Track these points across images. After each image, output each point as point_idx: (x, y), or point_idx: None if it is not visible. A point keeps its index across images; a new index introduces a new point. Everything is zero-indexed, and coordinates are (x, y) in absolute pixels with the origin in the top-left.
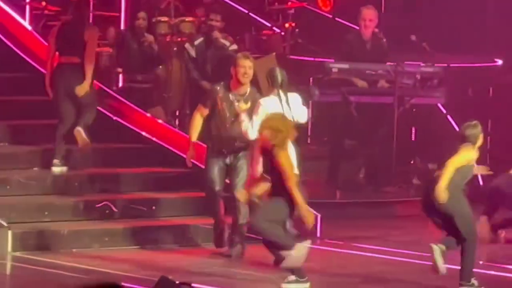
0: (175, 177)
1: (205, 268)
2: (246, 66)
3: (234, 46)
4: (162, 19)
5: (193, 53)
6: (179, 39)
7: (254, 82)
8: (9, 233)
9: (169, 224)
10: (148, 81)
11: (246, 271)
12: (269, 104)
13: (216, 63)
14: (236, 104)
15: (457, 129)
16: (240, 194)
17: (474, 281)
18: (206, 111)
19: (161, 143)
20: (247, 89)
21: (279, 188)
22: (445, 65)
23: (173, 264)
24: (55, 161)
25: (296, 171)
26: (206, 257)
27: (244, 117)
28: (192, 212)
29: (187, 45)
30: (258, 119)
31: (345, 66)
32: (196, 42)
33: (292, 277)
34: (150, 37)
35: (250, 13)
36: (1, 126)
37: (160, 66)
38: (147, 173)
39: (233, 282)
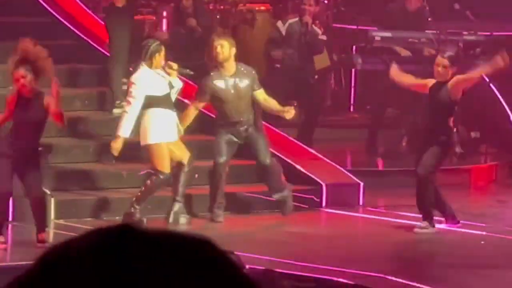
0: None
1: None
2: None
3: (324, 37)
4: None
5: (283, 31)
6: (221, 7)
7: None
8: (52, 201)
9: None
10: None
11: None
12: (142, 77)
13: (305, 48)
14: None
15: (500, 97)
16: None
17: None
18: None
19: (205, 111)
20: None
21: None
22: (488, 33)
23: (216, 232)
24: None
25: None
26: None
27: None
28: (237, 180)
29: (279, 23)
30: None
31: (387, 34)
32: (290, 21)
33: None
34: (192, 21)
35: None
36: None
37: None
38: (191, 141)
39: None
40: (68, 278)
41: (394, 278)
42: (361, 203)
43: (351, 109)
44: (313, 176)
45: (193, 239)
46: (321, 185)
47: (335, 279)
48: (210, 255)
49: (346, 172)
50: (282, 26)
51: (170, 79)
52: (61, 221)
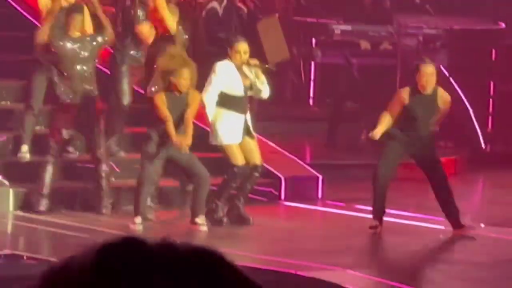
0: None
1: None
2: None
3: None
4: None
5: (220, 12)
6: None
7: (257, 44)
8: (11, 192)
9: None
10: None
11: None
12: (223, 68)
13: (241, 29)
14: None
15: (459, 91)
16: None
17: None
18: None
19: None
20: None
21: None
22: (448, 27)
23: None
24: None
25: None
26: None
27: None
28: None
29: (215, 4)
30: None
31: (347, 27)
32: (224, 4)
33: None
34: None
35: None
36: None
37: None
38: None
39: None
40: None
41: (352, 272)
42: (320, 196)
43: (311, 103)
44: (272, 169)
45: (200, 252)
46: (280, 178)
47: (293, 272)
48: (219, 271)
49: (305, 165)
50: (219, 7)
51: (254, 79)
52: (19, 212)
